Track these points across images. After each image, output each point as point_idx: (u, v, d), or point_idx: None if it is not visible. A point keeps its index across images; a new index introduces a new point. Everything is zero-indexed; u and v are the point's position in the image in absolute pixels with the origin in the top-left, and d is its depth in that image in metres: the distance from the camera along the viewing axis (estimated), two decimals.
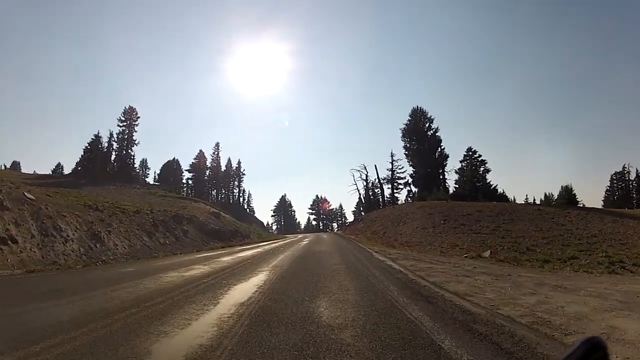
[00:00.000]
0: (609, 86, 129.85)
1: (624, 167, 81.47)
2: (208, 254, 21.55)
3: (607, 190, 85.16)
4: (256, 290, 8.40)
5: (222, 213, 51.28)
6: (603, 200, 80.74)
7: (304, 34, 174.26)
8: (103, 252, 20.65)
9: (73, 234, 19.75)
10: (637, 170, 78.06)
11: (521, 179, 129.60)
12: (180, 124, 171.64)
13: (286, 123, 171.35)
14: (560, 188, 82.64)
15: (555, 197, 76.87)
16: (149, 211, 31.95)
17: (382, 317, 5.72)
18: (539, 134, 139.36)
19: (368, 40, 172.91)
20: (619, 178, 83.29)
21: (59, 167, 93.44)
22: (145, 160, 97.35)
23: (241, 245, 32.99)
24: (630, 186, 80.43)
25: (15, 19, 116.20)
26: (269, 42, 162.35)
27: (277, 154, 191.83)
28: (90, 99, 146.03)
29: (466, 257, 18.28)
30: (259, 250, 23.67)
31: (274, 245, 30.71)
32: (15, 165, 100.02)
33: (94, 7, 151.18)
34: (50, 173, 77.95)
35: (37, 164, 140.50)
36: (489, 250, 19.94)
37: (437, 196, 51.19)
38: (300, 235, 65.11)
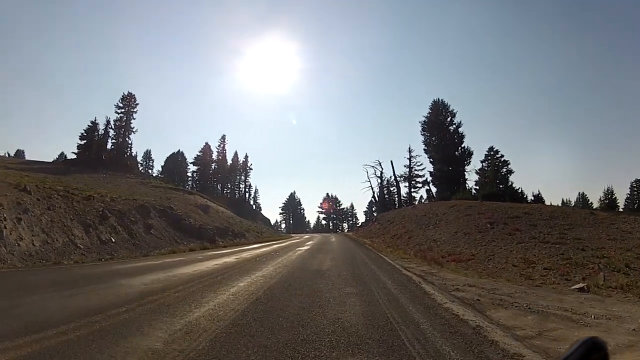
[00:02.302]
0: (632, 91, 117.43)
1: None
2: (137, 265, 13.17)
3: (627, 198, 77.55)
4: None
5: (213, 206, 42.86)
6: (623, 208, 72.33)
7: (315, 30, 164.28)
8: None
9: None
10: None
11: (533, 182, 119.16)
12: (188, 119, 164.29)
13: (294, 121, 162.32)
14: (577, 194, 75.35)
15: (573, 203, 69.62)
16: (109, 199, 23.61)
17: None
18: (551, 137, 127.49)
19: (383, 34, 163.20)
20: (639, 185, 75.58)
21: (62, 156, 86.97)
22: (149, 152, 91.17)
23: (223, 248, 24.62)
24: None
25: (22, 10, 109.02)
26: (279, 41, 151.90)
27: (288, 151, 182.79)
28: (97, 91, 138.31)
29: (585, 289, 9.65)
30: (230, 260, 14.93)
31: (263, 250, 22.08)
32: (20, 153, 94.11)
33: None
34: (51, 161, 71.68)
35: (48, 154, 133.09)
36: (602, 274, 11.74)
37: (464, 195, 42.13)
38: (306, 236, 56.50)
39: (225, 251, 20.76)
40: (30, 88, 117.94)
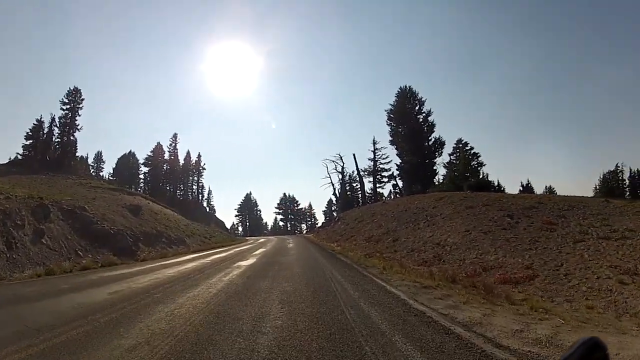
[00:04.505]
0: (598, 84, 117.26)
1: (617, 166, 71.63)
2: None
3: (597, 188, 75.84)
4: None
5: (153, 208, 34.37)
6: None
7: (275, 29, 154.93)
8: None
9: None
10: (630, 169, 68.12)
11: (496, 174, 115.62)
12: (143, 120, 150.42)
13: (273, 126, 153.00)
14: (544, 188, 72.77)
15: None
16: (3, 197, 15.52)
17: None
18: (522, 131, 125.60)
19: (347, 29, 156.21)
20: (613, 177, 73.62)
21: (16, 158, 75.86)
22: (100, 153, 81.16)
23: (138, 262, 16.72)
24: (622, 185, 70.44)
25: None
26: (239, 42, 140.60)
27: (243, 151, 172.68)
28: (48, 89, 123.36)
29: None
30: (84, 300, 7.02)
31: (187, 266, 14.18)
32: None
33: None
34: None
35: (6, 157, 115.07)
36: None
37: (446, 187, 36.16)
38: (261, 239, 48.69)
39: (126, 271, 12.72)
40: None
